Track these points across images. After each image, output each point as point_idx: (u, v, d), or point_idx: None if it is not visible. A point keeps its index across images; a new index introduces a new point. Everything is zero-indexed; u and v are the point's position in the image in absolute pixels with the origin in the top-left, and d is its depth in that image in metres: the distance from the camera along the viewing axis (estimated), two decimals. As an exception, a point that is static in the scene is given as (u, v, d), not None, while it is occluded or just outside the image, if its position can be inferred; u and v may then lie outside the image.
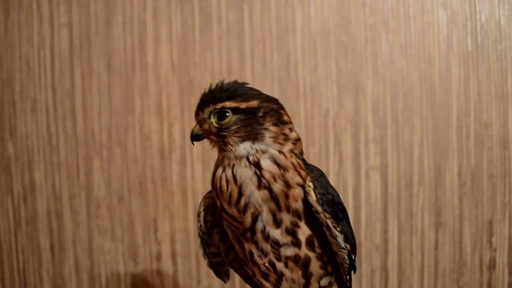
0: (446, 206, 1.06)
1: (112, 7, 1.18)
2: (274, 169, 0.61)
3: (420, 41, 1.06)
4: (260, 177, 0.61)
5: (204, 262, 1.16)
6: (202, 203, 0.73)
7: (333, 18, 1.08)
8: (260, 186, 0.61)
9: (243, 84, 0.65)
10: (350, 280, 0.69)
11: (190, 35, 1.15)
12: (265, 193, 0.61)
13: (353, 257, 0.67)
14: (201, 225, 0.73)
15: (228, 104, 0.62)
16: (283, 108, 0.66)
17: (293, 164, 0.62)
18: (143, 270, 1.20)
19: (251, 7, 1.11)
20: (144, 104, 1.18)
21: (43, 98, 1.24)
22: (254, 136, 0.62)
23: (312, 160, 1.10)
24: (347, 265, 0.66)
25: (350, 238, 0.66)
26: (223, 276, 0.78)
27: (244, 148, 0.62)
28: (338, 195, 0.67)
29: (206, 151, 1.15)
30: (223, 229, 0.73)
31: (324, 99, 1.09)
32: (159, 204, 1.18)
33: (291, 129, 0.65)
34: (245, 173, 0.61)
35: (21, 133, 1.25)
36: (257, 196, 0.61)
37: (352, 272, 0.69)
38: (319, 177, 0.65)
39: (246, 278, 0.79)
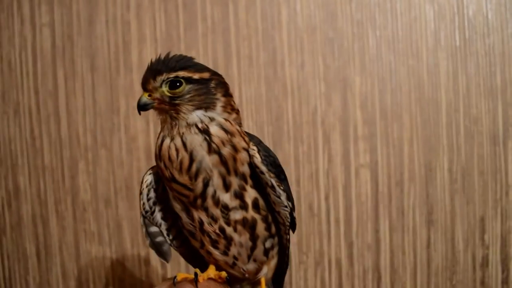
0: (438, 204, 1.05)
1: (95, 6, 1.15)
2: (222, 134, 0.64)
3: (408, 36, 1.04)
4: (210, 142, 0.63)
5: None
6: (144, 180, 0.74)
7: (319, 14, 1.06)
8: (210, 151, 0.63)
9: (191, 58, 0.68)
10: (289, 240, 0.74)
11: (175, 33, 1.12)
12: (215, 157, 0.64)
13: (294, 215, 0.72)
14: (143, 203, 0.74)
15: (182, 73, 0.64)
16: (227, 83, 0.69)
17: (238, 130, 0.66)
18: (132, 275, 1.17)
19: (236, 3, 1.09)
20: (129, 105, 1.15)
21: (26, 100, 1.21)
22: (206, 105, 0.65)
23: (301, 158, 1.08)
24: (288, 224, 0.71)
25: (291, 197, 0.70)
26: (165, 256, 0.79)
27: (197, 115, 0.64)
28: (278, 161, 0.71)
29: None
30: (165, 206, 0.74)
31: (312, 97, 1.07)
32: (146, 207, 1.16)
33: (234, 102, 0.69)
34: (195, 139, 0.64)
35: (4, 136, 1.22)
36: (208, 160, 0.63)
37: (291, 232, 0.74)
38: (260, 142, 0.69)
39: (187, 256, 0.81)
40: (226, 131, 0.64)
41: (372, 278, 1.07)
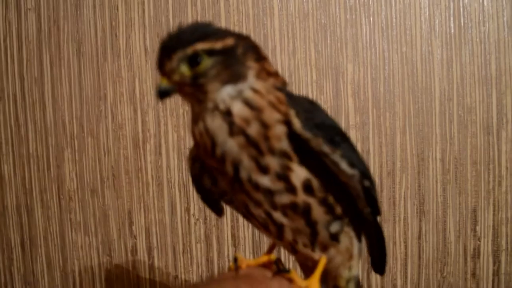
0: (430, 194, 1.03)
1: (81, -11, 1.12)
2: (246, 112, 0.53)
3: (402, 23, 1.02)
4: (231, 123, 0.53)
5: (181, 256, 1.12)
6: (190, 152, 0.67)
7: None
8: (232, 133, 0.53)
9: (209, 23, 0.56)
10: (375, 222, 0.61)
11: (164, 18, 1.09)
12: (240, 139, 0.53)
13: (368, 185, 0.58)
14: (189, 167, 0.66)
15: (201, 46, 0.52)
16: (258, 44, 0.58)
17: (269, 102, 0.54)
18: (118, 265, 1.15)
19: (227, -12, 1.06)
20: (117, 92, 1.12)
21: (11, 87, 1.17)
22: (237, 77, 0.54)
23: (291, 148, 1.06)
24: (363, 197, 0.57)
25: (356, 162, 0.56)
26: (218, 211, 0.71)
27: (227, 92, 0.54)
28: (333, 121, 0.58)
29: (182, 139, 1.10)
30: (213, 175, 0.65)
31: (303, 84, 1.05)
32: (133, 196, 1.13)
33: (269, 64, 0.57)
34: (215, 122, 0.54)
35: (-12, 124, 1.19)
36: (232, 144, 0.54)
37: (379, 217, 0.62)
38: (305, 104, 0.57)
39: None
40: (252, 107, 0.53)
41: (363, 269, 1.06)
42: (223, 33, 0.55)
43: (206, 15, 1.07)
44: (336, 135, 0.56)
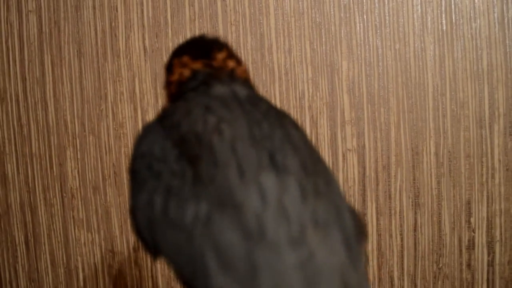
0: (424, 187, 1.06)
1: (81, -9, 1.15)
2: None
3: (395, 21, 1.04)
4: None
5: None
6: None
7: (307, -2, 1.06)
8: None
9: (202, 37, 0.59)
10: None
11: (162, 18, 1.12)
12: None
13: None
14: None
15: None
16: (177, 56, 0.56)
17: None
18: (121, 261, 1.17)
19: (223, -12, 1.09)
20: (117, 91, 1.15)
21: (13, 87, 1.20)
22: None
23: (288, 144, 1.08)
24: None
25: (131, 196, 0.44)
26: None
27: None
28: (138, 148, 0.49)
29: (181, 137, 1.12)
30: None
31: (299, 82, 1.07)
32: (134, 193, 1.15)
33: (171, 74, 0.56)
34: None
35: (-9, 124, 1.21)
36: None
37: None
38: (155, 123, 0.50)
39: None
40: None
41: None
42: (188, 47, 0.57)
43: (204, 15, 1.10)
44: (135, 173, 0.48)
